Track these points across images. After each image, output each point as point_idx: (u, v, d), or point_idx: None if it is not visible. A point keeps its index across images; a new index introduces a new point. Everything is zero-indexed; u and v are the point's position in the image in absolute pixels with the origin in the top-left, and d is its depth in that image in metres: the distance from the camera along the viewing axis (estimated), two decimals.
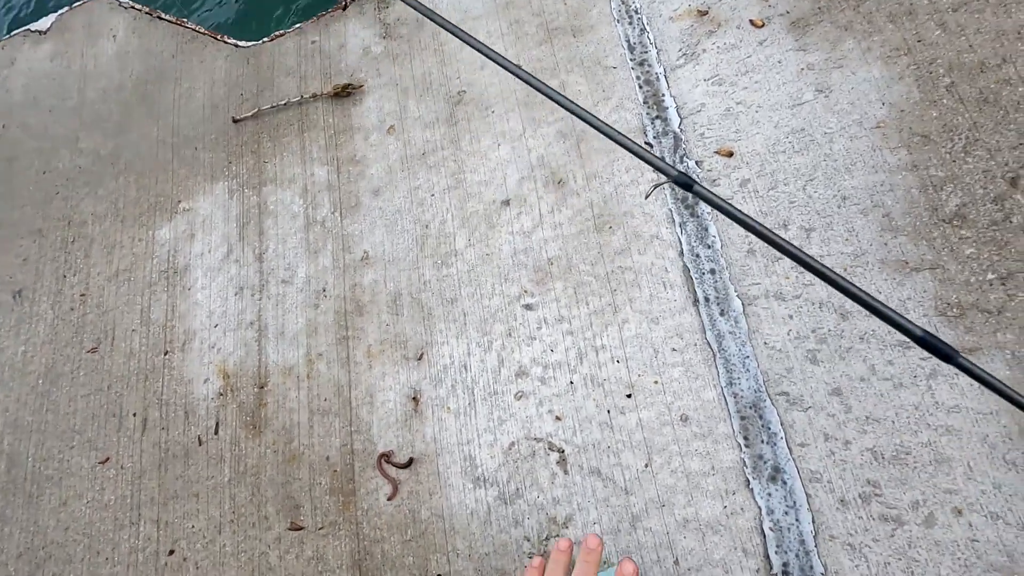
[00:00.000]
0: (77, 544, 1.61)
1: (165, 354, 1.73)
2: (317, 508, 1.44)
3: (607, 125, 0.87)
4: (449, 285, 1.53)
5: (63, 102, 2.23)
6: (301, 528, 1.43)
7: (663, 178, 1.17)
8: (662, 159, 0.95)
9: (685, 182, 0.82)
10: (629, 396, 1.30)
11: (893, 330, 1.15)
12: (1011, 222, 1.18)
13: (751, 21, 1.50)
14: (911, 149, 1.28)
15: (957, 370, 1.12)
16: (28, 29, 2.45)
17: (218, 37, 2.09)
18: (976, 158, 1.24)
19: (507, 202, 1.55)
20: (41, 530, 1.66)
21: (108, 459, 1.67)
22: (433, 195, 1.62)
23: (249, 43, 2.04)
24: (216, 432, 1.59)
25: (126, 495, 1.62)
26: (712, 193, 0.81)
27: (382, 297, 1.58)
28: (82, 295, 1.90)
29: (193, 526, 1.53)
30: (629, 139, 0.86)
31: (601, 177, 1.50)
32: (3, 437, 1.81)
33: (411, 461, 1.40)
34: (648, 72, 1.55)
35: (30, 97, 2.30)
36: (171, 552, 1.52)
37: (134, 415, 1.70)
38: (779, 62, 1.45)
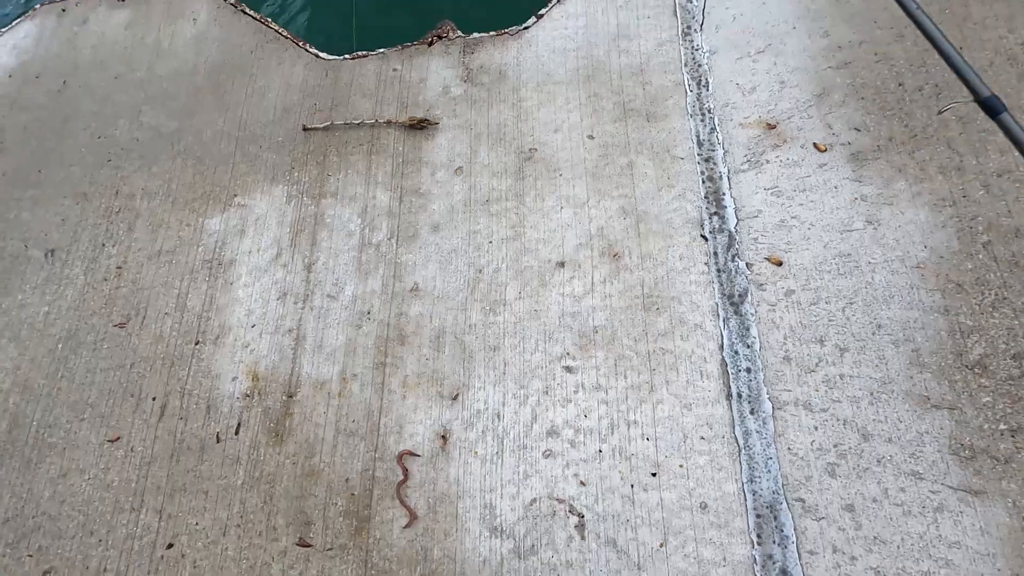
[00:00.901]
0: (71, 520, 1.59)
1: (196, 344, 1.74)
2: (329, 528, 1.46)
3: (936, 28, 0.85)
4: (494, 332, 1.59)
5: (131, 72, 2.26)
6: (309, 546, 1.45)
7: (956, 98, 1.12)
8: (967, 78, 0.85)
9: (993, 106, 0.79)
10: (654, 475, 1.37)
11: (909, 458, 1.24)
12: None
13: (815, 144, 1.62)
14: (945, 294, 1.40)
15: (962, 507, 1.21)
16: None
17: (300, 44, 2.16)
18: (1002, 315, 1.36)
19: (562, 264, 1.63)
20: (34, 498, 1.64)
21: (119, 438, 1.66)
22: (491, 242, 1.69)
23: (331, 56, 2.10)
24: (237, 433, 1.61)
25: (131, 479, 1.61)
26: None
27: (426, 331, 1.62)
28: (119, 268, 1.90)
29: (197, 523, 1.53)
30: (950, 44, 0.83)
31: (655, 259, 1.59)
32: (9, 396, 1.79)
33: (403, 470, 1.44)
34: (712, 170, 1.66)
35: (97, 60, 2.32)
36: (170, 546, 1.51)
37: (153, 399, 1.70)
38: (835, 187, 1.57)
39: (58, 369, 1.80)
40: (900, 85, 1.64)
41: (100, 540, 1.56)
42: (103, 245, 1.96)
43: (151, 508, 1.56)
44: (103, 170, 2.09)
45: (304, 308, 1.73)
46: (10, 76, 2.37)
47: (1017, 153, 1.48)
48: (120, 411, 1.70)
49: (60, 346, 1.83)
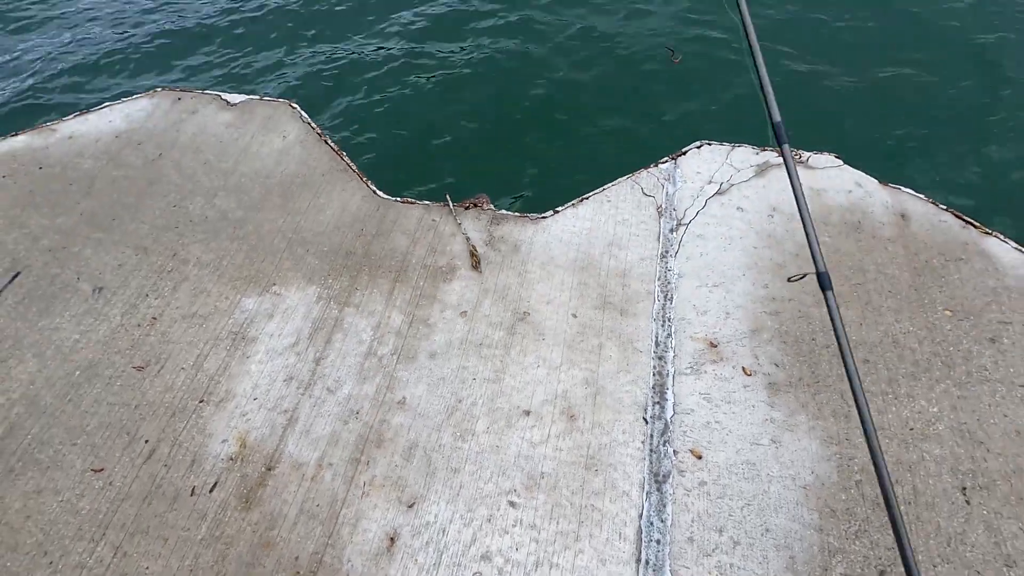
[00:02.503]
0: (30, 536, 1.71)
1: (200, 402, 1.98)
2: None
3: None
4: (458, 457, 1.86)
5: (219, 162, 2.72)
6: None
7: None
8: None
9: (823, 283, 1.19)
10: None
11: None
12: None
13: (743, 368, 2.05)
14: (822, 516, 1.73)
15: None
16: (219, 95, 3.04)
17: (363, 179, 2.66)
18: (863, 544, 1.68)
19: (528, 413, 1.95)
20: (3, 507, 1.76)
21: (102, 470, 1.83)
22: (475, 379, 2.03)
23: (386, 195, 2.59)
24: (211, 490, 1.79)
25: (101, 511, 1.76)
26: None
27: (402, 441, 1.89)
28: (154, 319, 2.19)
29: (148, 568, 1.66)
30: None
31: (603, 428, 1.92)
32: (14, 406, 1.97)
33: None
34: (662, 367, 2.06)
35: (194, 144, 2.80)
36: None
37: (146, 442, 1.89)
38: (752, 406, 1.96)
39: (68, 393, 2.00)
40: (813, 340, 2.11)
41: (51, 562, 1.67)
42: (147, 296, 2.26)
43: (110, 543, 1.70)
44: (168, 234, 2.45)
45: (304, 395, 2.00)
46: (117, 137, 2.82)
47: (891, 415, 1.90)
48: (112, 445, 1.89)
49: (77, 373, 2.05)
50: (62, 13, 4.88)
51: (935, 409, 1.94)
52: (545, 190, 2.78)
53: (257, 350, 2.11)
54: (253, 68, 4.24)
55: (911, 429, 1.89)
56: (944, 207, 2.49)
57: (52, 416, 1.95)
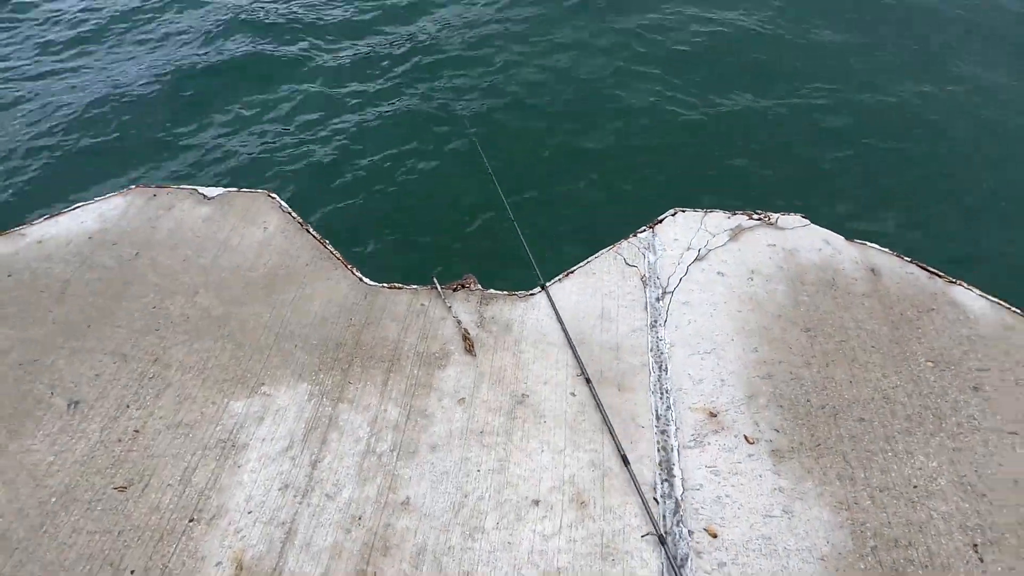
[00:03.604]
0: None
1: (190, 521, 1.86)
2: None
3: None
4: (469, 558, 1.78)
5: (198, 258, 2.68)
6: None
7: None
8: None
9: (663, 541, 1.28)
10: None
11: None
12: None
13: (745, 436, 2.06)
14: None
15: None
16: (196, 189, 3.02)
17: (348, 267, 2.65)
18: None
19: (537, 502, 1.90)
20: None
21: None
22: (479, 471, 1.98)
23: (372, 282, 2.58)
24: None
25: None
26: None
27: (409, 546, 1.81)
28: (136, 431, 2.08)
29: None
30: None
31: (615, 512, 1.88)
32: None
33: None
34: (666, 442, 2.05)
35: (171, 241, 2.75)
36: None
37: (131, 572, 1.76)
38: (760, 476, 1.96)
39: (44, 523, 1.86)
40: (808, 401, 2.15)
41: None
42: (127, 406, 2.15)
43: None
44: (148, 337, 2.37)
45: (302, 503, 1.91)
46: (90, 238, 2.76)
47: (893, 473, 1.93)
48: None
49: (53, 500, 1.91)
50: (32, 110, 4.85)
51: (934, 464, 1.97)
52: (529, 264, 2.81)
53: (249, 458, 2.02)
54: (227, 160, 4.27)
55: (915, 487, 1.91)
56: (909, 259, 2.62)
57: (25, 552, 1.80)
